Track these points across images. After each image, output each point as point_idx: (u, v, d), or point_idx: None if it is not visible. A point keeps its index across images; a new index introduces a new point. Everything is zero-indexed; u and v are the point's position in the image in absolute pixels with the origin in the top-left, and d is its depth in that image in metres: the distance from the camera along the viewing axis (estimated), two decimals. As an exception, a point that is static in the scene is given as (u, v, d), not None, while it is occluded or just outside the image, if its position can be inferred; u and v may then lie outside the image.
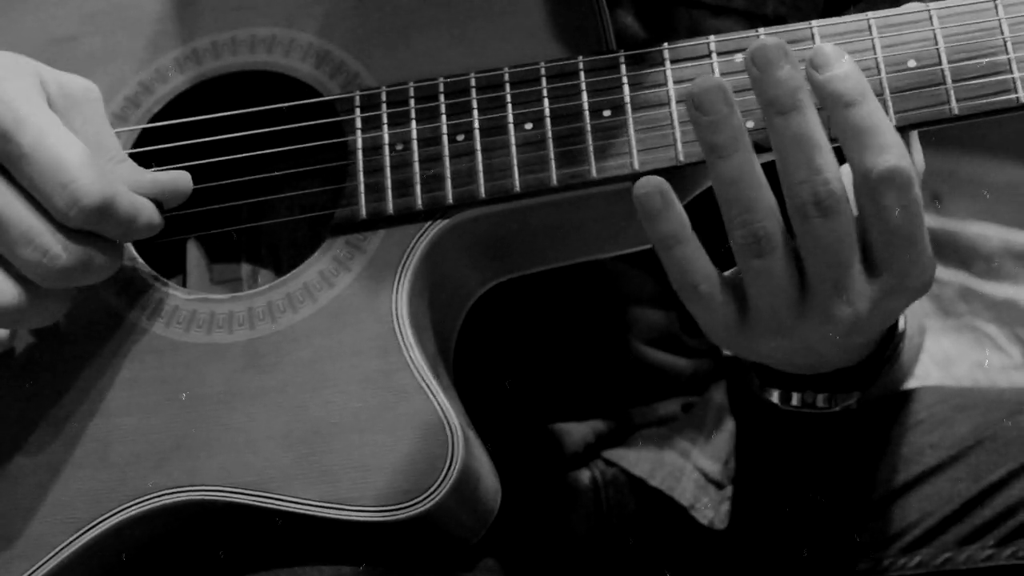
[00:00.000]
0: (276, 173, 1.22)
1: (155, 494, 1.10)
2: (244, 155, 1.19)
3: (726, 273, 1.08)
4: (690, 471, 1.43)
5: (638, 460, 1.43)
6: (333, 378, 1.10)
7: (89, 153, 1.08)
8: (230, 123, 1.20)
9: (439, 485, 1.06)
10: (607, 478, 1.42)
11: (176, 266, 1.24)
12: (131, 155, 1.18)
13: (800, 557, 1.38)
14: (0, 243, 1.07)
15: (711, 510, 1.41)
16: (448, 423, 1.07)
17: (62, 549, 1.10)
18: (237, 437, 1.10)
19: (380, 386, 1.09)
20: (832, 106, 1.04)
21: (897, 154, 1.03)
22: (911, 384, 1.49)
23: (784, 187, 1.04)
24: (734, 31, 1.15)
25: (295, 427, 1.10)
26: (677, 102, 1.12)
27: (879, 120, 1.03)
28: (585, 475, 1.41)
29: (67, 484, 1.12)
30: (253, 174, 1.22)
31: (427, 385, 1.09)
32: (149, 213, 1.12)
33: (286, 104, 1.18)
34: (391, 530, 1.08)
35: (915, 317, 1.51)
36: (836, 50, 1.04)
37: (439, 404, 1.08)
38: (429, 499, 1.06)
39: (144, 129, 1.21)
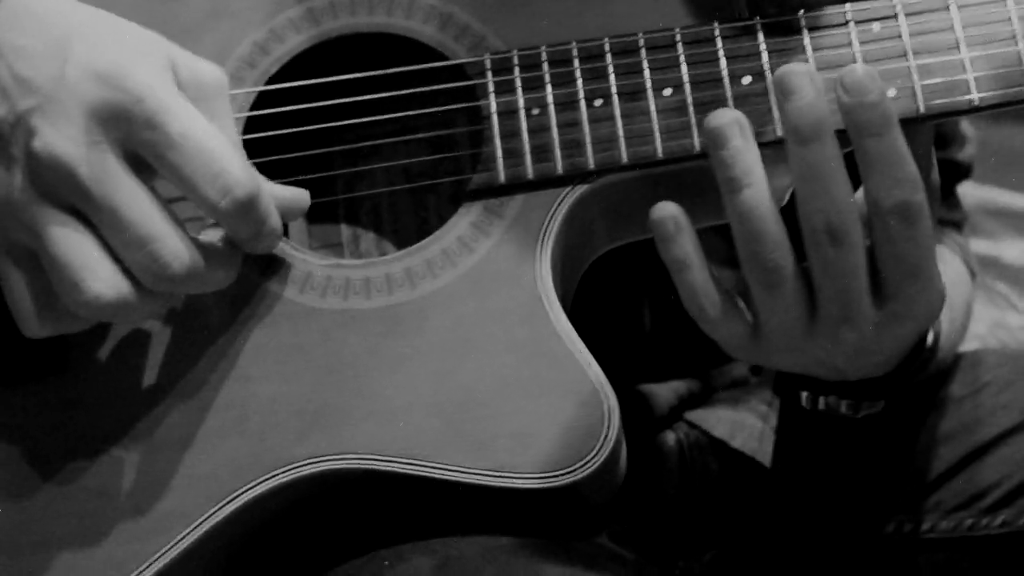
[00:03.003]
0: (391, 140, 1.21)
1: (300, 463, 1.08)
2: (363, 120, 1.17)
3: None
4: (769, 433, 1.44)
5: (718, 422, 1.44)
6: (479, 344, 1.09)
7: (231, 144, 1.04)
8: (349, 86, 1.17)
9: (597, 452, 1.06)
10: (691, 440, 1.43)
11: None
12: (248, 118, 1.16)
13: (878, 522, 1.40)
14: (115, 241, 1.03)
15: None
16: (603, 390, 1.07)
17: (203, 522, 1.07)
18: (382, 404, 1.09)
19: (530, 353, 1.08)
20: (856, 134, 1.03)
21: (910, 188, 1.03)
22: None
23: (800, 213, 1.04)
24: None
25: (442, 393, 1.08)
26: (817, 70, 1.12)
27: (899, 152, 1.02)
28: (671, 437, 1.42)
29: (206, 455, 1.09)
30: (358, 137, 1.20)
31: (578, 351, 1.08)
32: (276, 219, 1.08)
33: (417, 67, 1.16)
34: (535, 498, 1.08)
35: (956, 288, 1.53)
36: (869, 74, 1.02)
37: (592, 370, 1.08)
38: (587, 466, 1.06)
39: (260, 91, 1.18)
